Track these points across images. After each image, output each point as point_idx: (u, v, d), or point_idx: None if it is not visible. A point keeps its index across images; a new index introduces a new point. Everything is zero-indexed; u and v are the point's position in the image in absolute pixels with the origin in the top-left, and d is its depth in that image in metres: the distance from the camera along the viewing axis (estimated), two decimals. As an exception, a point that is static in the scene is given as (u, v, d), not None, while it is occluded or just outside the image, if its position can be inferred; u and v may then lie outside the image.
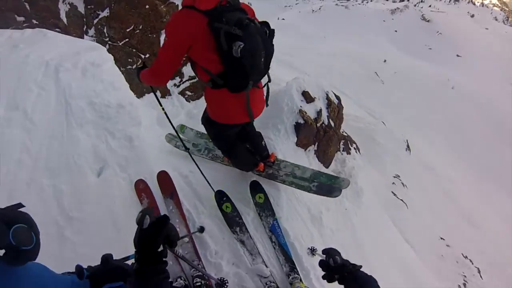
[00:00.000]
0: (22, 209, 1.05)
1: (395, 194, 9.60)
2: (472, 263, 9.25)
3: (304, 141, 4.40)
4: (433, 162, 14.78)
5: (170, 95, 8.34)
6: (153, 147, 4.31)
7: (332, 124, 4.87)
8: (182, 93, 8.59)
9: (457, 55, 26.68)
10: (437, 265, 8.03)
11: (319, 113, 4.59)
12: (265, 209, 3.64)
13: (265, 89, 2.52)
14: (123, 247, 2.33)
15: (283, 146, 4.15)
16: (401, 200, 9.46)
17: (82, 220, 2.97)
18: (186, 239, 3.16)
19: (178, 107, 8.22)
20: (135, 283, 1.20)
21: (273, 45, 2.11)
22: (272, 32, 2.08)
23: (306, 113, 4.37)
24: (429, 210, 11.08)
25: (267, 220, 3.58)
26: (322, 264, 1.77)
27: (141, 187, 3.44)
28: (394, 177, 10.82)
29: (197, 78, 8.81)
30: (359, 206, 5.52)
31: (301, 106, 4.34)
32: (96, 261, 1.70)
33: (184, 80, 8.68)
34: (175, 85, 8.55)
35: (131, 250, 1.25)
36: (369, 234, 5.50)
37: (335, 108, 4.95)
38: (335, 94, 5.42)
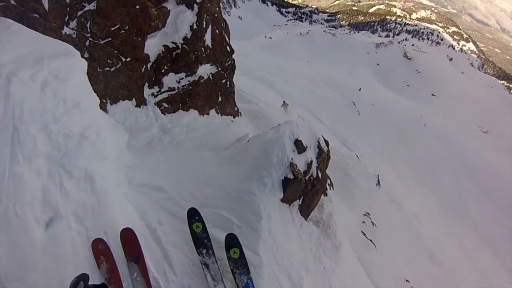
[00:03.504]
0: None
1: (364, 234, 9.31)
2: (434, 306, 9.15)
3: (290, 197, 3.88)
4: (401, 197, 14.80)
5: (145, 104, 7.43)
6: (119, 185, 3.44)
7: (320, 175, 4.36)
8: (158, 104, 7.72)
9: (432, 94, 27.63)
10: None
11: (309, 165, 4.10)
12: (239, 265, 3.18)
13: None
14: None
15: (268, 204, 3.59)
16: (370, 240, 9.17)
17: (23, 294, 2.21)
18: None
19: (152, 118, 7.19)
20: None
21: None
22: None
23: (296, 166, 3.85)
24: (396, 248, 10.93)
25: (240, 278, 3.14)
26: None
27: (99, 248, 2.74)
28: (365, 215, 10.54)
29: (176, 91, 8.08)
30: (336, 261, 5.07)
31: (292, 158, 3.81)
32: None
33: (163, 90, 7.86)
34: (152, 94, 7.72)
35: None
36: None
37: (324, 158, 4.48)
38: (324, 139, 4.95)
